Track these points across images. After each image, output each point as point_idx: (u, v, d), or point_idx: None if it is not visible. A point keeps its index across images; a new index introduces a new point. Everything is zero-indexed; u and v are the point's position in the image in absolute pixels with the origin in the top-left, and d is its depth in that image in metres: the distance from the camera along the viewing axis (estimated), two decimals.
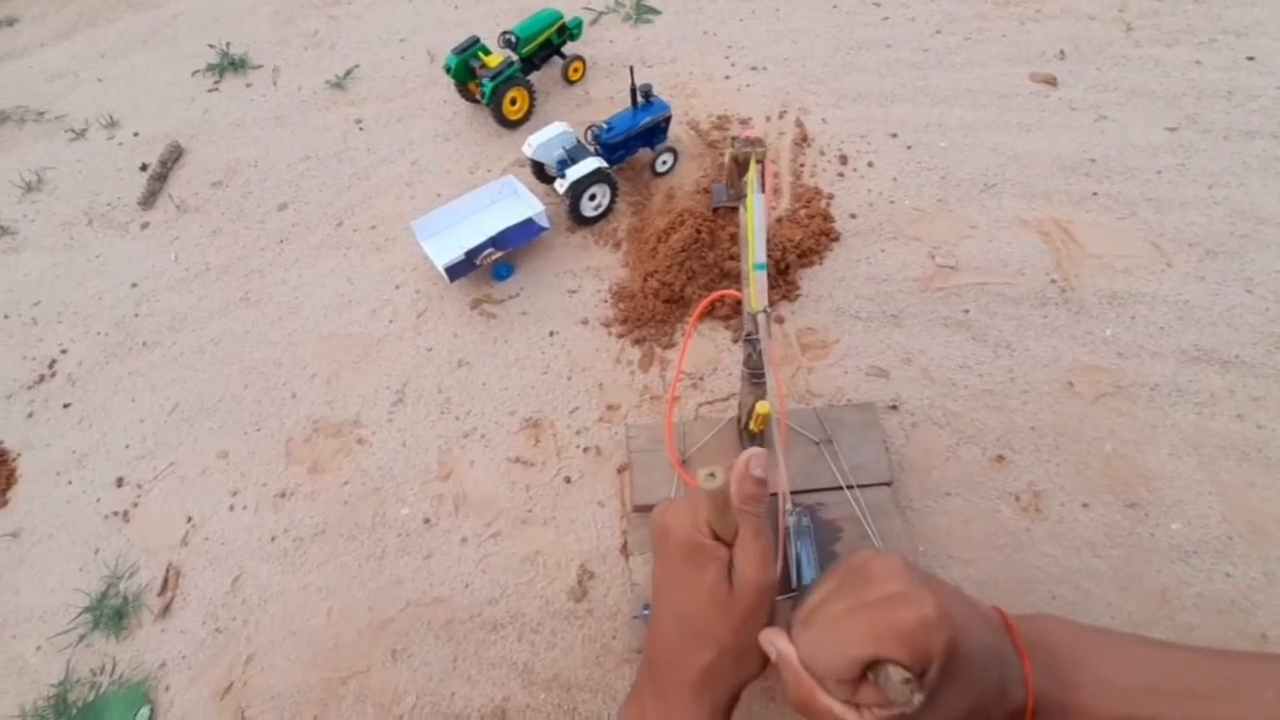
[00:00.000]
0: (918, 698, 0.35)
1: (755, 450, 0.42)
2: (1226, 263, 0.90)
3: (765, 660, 0.43)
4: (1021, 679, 0.40)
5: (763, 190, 0.58)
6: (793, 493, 0.69)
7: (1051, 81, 1.15)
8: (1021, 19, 1.26)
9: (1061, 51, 1.19)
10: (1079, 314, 0.88)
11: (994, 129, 1.09)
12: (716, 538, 0.43)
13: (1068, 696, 0.39)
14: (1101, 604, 0.68)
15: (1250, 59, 1.13)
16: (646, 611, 0.64)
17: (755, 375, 0.62)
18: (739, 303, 0.87)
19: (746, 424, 0.68)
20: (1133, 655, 0.41)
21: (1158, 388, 0.81)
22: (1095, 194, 0.99)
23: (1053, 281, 0.91)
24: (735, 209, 0.73)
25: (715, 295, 0.66)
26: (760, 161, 0.57)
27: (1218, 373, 0.81)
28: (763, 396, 0.63)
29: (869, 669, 0.37)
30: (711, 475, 0.40)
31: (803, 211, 1.00)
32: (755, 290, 0.59)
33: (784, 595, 0.60)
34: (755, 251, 0.57)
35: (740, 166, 0.60)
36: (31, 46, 1.56)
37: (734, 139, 0.65)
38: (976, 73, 1.18)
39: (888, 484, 0.72)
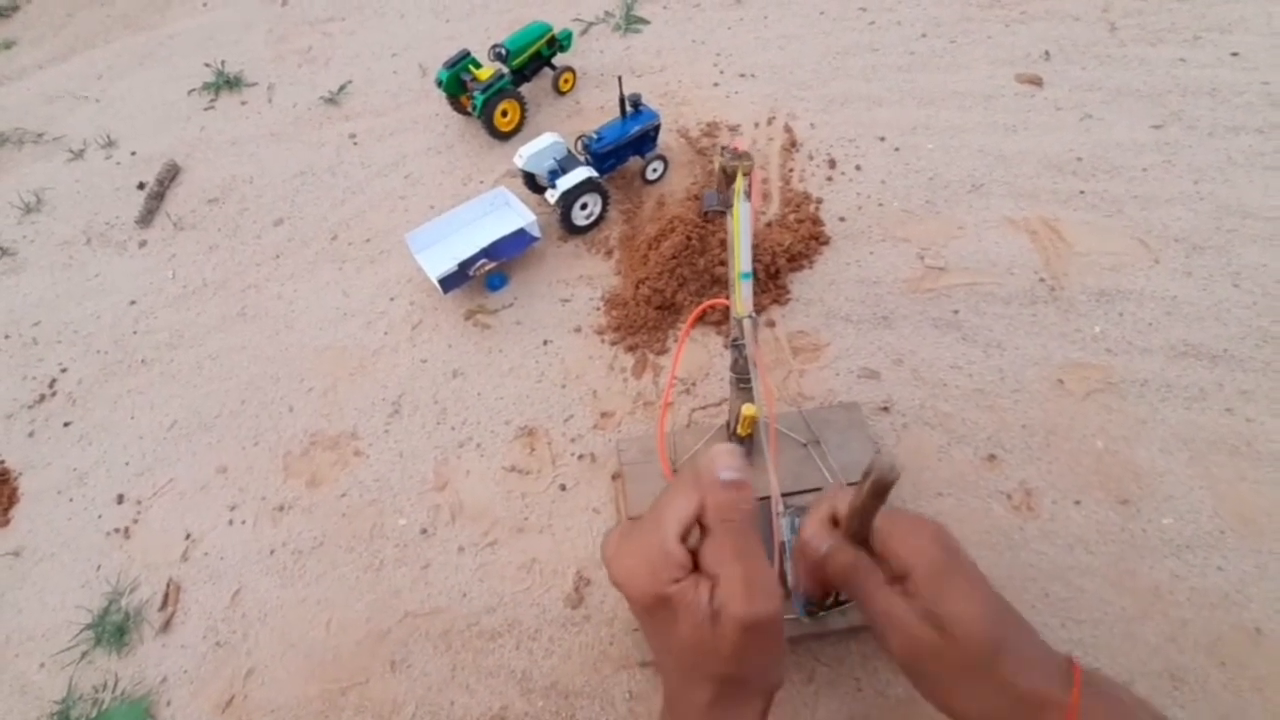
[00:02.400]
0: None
1: (722, 447, 0.37)
2: (1213, 258, 0.91)
3: (779, 680, 0.41)
4: (1058, 674, 0.41)
5: (749, 200, 0.58)
6: (783, 495, 0.69)
7: (1037, 82, 1.16)
8: (1006, 21, 1.27)
9: (1046, 52, 1.20)
10: (1068, 312, 0.88)
11: (980, 130, 1.10)
12: (695, 565, 0.37)
13: None
14: (1095, 600, 0.68)
15: (1234, 55, 1.14)
16: None
17: (741, 380, 0.63)
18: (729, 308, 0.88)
19: (735, 429, 0.68)
20: None
21: (1147, 383, 0.81)
22: (1082, 192, 1.00)
23: (1041, 280, 0.92)
24: (725, 214, 0.73)
25: (706, 304, 0.67)
26: (747, 175, 0.57)
27: (1206, 367, 0.82)
28: (749, 401, 0.64)
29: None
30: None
31: (792, 216, 1.01)
32: (740, 297, 0.59)
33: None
34: (741, 260, 0.58)
35: (728, 177, 0.61)
36: (30, 69, 1.58)
37: (723, 149, 0.65)
38: (962, 75, 1.19)
39: None
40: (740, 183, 0.57)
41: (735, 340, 0.62)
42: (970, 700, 0.43)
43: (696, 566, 0.38)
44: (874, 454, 0.39)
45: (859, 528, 0.45)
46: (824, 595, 0.57)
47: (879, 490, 0.41)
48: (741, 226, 0.58)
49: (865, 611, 0.46)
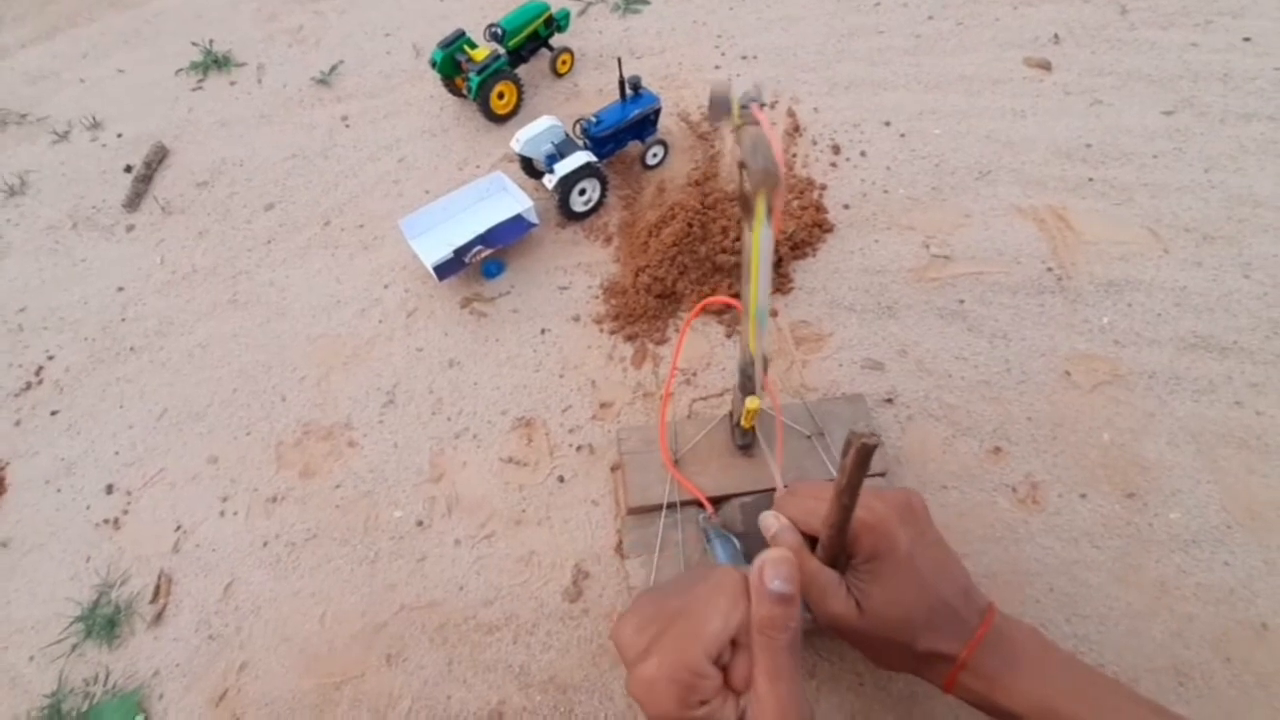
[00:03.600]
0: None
1: (773, 554, 0.33)
2: (1224, 248, 0.89)
3: None
4: (965, 635, 0.47)
5: (770, 225, 0.47)
6: (786, 487, 0.68)
7: (1046, 66, 1.13)
8: (1015, 3, 1.25)
9: (1056, 36, 1.17)
10: (1075, 302, 0.87)
11: (988, 115, 1.08)
12: (726, 681, 0.33)
13: (1001, 673, 0.46)
14: (1100, 595, 0.67)
15: (1247, 40, 1.12)
16: None
17: (747, 382, 0.61)
18: (727, 306, 0.86)
19: (738, 422, 0.67)
20: (1070, 675, 0.46)
21: (1155, 375, 0.80)
22: (1091, 180, 0.98)
23: (1049, 270, 0.90)
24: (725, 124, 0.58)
25: (706, 301, 0.64)
26: (769, 196, 0.45)
27: (1216, 359, 0.80)
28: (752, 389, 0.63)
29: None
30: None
31: (795, 203, 0.99)
32: (755, 333, 0.54)
33: None
34: (759, 294, 0.49)
35: (745, 200, 0.48)
36: (12, 48, 1.54)
37: (744, 104, 0.49)
38: (970, 58, 1.16)
39: (882, 474, 0.71)
40: (761, 206, 0.45)
41: (745, 370, 0.59)
42: (881, 658, 0.52)
43: (726, 681, 0.34)
44: (850, 430, 0.39)
45: (849, 501, 0.43)
46: None
47: (863, 459, 0.39)
48: (761, 257, 0.48)
49: (804, 579, 0.49)
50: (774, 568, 0.33)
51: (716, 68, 1.20)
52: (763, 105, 0.48)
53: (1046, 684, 0.45)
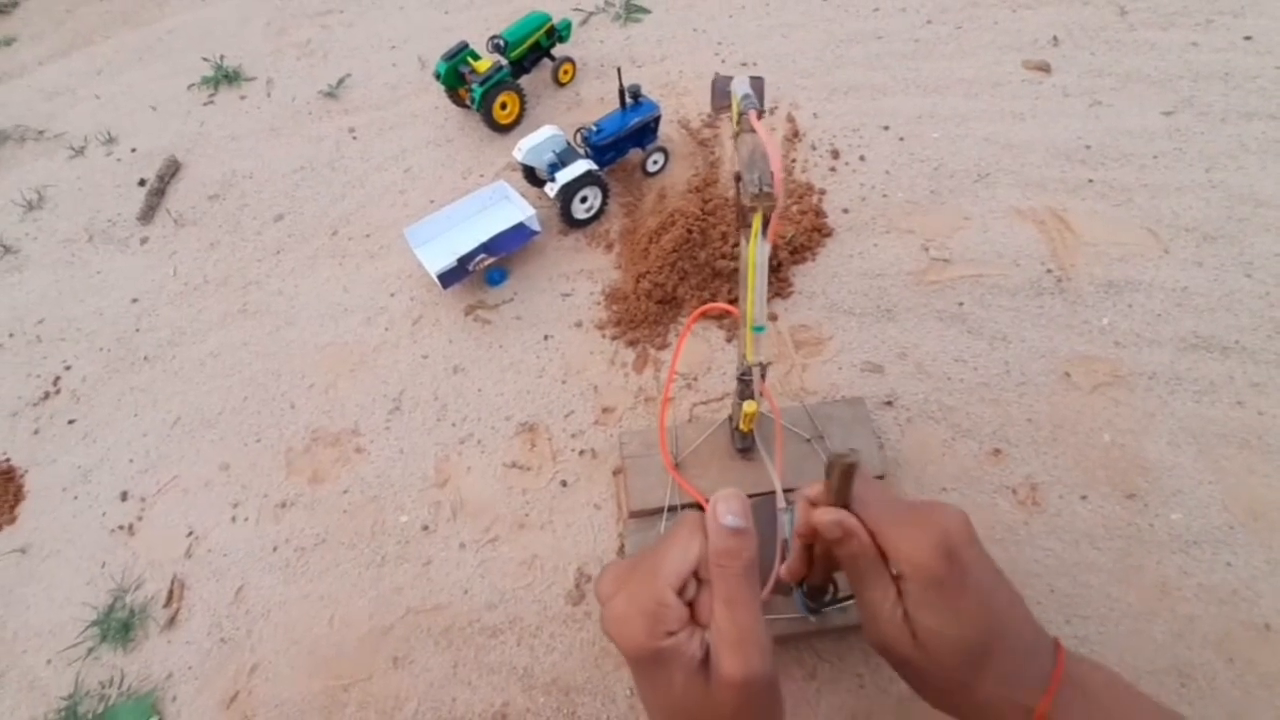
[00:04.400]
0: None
1: (727, 491, 0.36)
2: (1225, 247, 0.89)
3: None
4: (1038, 678, 0.41)
5: (766, 240, 0.48)
6: (785, 490, 0.69)
7: (1045, 68, 1.14)
8: (1014, 6, 1.25)
9: (1055, 38, 1.18)
10: (1075, 304, 0.87)
11: (987, 118, 1.08)
12: (692, 617, 0.36)
13: None
14: (1101, 596, 0.67)
15: (1248, 39, 1.11)
16: None
17: (745, 388, 0.62)
18: (725, 312, 0.87)
19: (737, 425, 0.68)
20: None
21: (1156, 376, 0.80)
22: (1091, 181, 0.98)
23: (1048, 271, 0.90)
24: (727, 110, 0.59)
25: (705, 308, 0.65)
26: (768, 214, 0.47)
27: (1217, 359, 0.80)
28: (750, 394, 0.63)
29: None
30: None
31: (794, 207, 1.00)
32: (751, 344, 0.55)
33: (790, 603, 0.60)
34: (755, 308, 0.51)
35: (743, 214, 0.50)
36: (30, 65, 1.58)
37: (746, 96, 0.51)
38: (969, 62, 1.17)
39: (880, 477, 0.72)
40: (758, 223, 0.47)
41: (742, 375, 0.60)
42: (939, 699, 0.44)
43: (692, 617, 0.36)
44: (830, 454, 0.40)
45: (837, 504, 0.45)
46: (824, 583, 0.56)
47: (845, 476, 0.41)
48: (757, 270, 0.49)
49: (855, 595, 0.46)
50: (725, 504, 0.35)
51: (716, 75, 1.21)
52: (761, 112, 0.48)
53: None
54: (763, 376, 0.60)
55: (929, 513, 0.43)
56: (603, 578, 0.38)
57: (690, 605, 0.36)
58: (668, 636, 0.34)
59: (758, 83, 0.54)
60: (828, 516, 0.43)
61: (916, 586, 0.41)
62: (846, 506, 0.43)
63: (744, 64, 1.23)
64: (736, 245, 0.91)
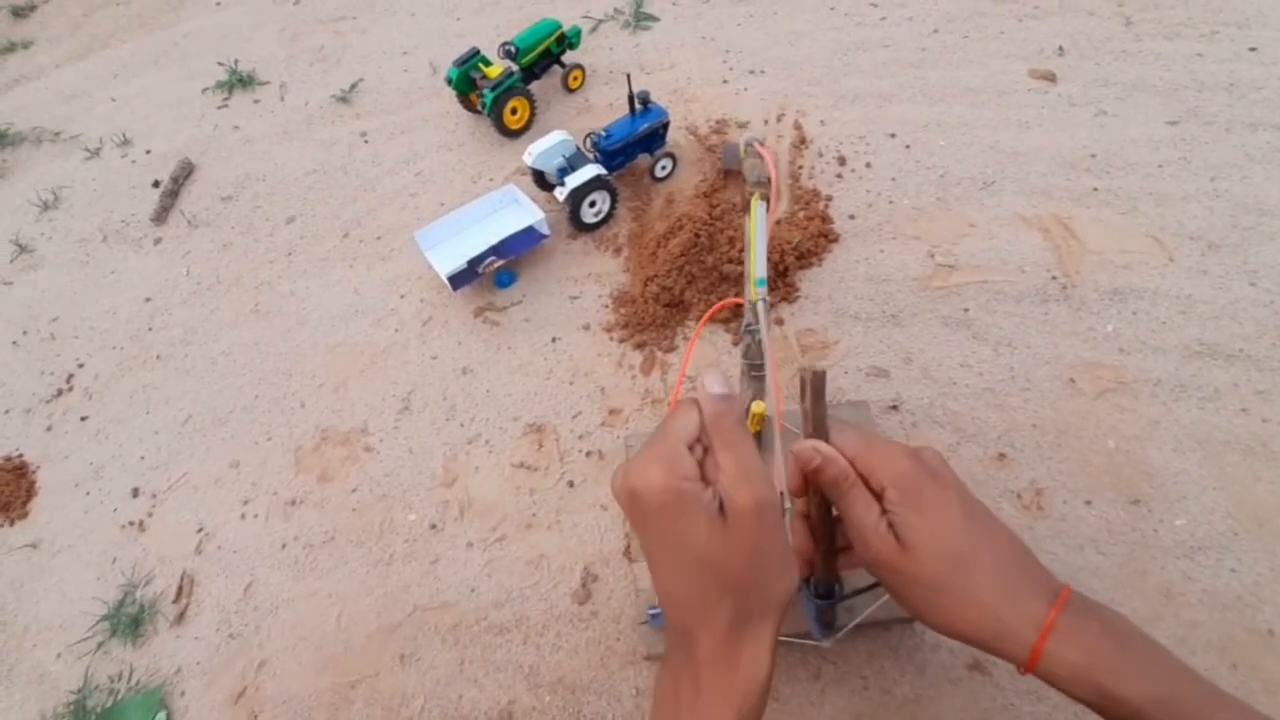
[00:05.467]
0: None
1: (708, 369, 0.42)
2: (1229, 256, 0.90)
3: (793, 578, 0.42)
4: (1044, 592, 0.41)
5: (766, 204, 0.58)
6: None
7: (1050, 78, 1.14)
8: (1020, 16, 1.26)
9: (1060, 47, 1.19)
10: (1080, 310, 0.87)
11: (993, 126, 1.09)
12: (703, 476, 0.40)
13: (1104, 648, 0.39)
14: (1104, 601, 0.67)
15: (1252, 50, 1.12)
16: (653, 611, 0.65)
17: (754, 369, 0.63)
18: (738, 306, 0.88)
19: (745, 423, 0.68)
20: (1188, 671, 0.40)
21: (1160, 383, 0.80)
22: (1096, 190, 0.99)
23: (1053, 278, 0.91)
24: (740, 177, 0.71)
25: (720, 304, 0.67)
26: (765, 200, 0.56)
27: (1221, 367, 0.81)
28: (761, 392, 0.64)
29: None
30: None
31: (801, 213, 1.01)
32: (754, 286, 0.60)
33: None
34: (756, 265, 0.58)
35: (745, 195, 0.60)
36: (47, 68, 1.61)
37: (748, 143, 0.61)
38: (975, 71, 1.18)
39: None
40: (756, 202, 0.56)
41: (749, 326, 0.62)
42: (939, 614, 0.44)
43: (701, 476, 0.41)
44: (798, 370, 0.44)
45: (816, 435, 0.47)
46: (830, 582, 0.55)
47: (816, 389, 0.45)
48: (758, 230, 0.57)
49: (844, 519, 0.47)
50: (710, 376, 0.41)
51: (724, 82, 1.23)
52: (763, 143, 0.58)
53: (1166, 670, 0.39)
54: (768, 314, 0.62)
55: (898, 443, 0.47)
56: (616, 473, 0.42)
57: (700, 465, 0.40)
58: (684, 480, 0.38)
59: (759, 136, 0.64)
60: (805, 444, 0.46)
61: (897, 494, 0.44)
62: (824, 424, 0.46)
63: (751, 71, 1.24)
64: (744, 250, 0.92)
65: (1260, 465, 0.74)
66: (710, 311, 0.66)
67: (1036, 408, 0.80)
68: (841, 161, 1.08)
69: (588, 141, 1.03)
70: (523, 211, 1.01)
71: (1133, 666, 0.39)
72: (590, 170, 0.97)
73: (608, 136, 1.02)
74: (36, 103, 1.51)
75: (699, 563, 0.39)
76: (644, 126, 1.03)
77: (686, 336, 0.91)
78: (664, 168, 1.08)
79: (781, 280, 0.94)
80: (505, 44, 1.18)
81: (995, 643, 0.42)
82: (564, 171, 0.99)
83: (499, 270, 0.97)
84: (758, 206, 0.56)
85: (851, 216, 1.01)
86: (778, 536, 0.40)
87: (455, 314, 0.99)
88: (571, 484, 0.81)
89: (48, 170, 1.34)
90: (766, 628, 0.40)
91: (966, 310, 0.89)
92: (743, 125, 1.15)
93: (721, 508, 0.38)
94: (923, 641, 0.67)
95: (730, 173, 0.94)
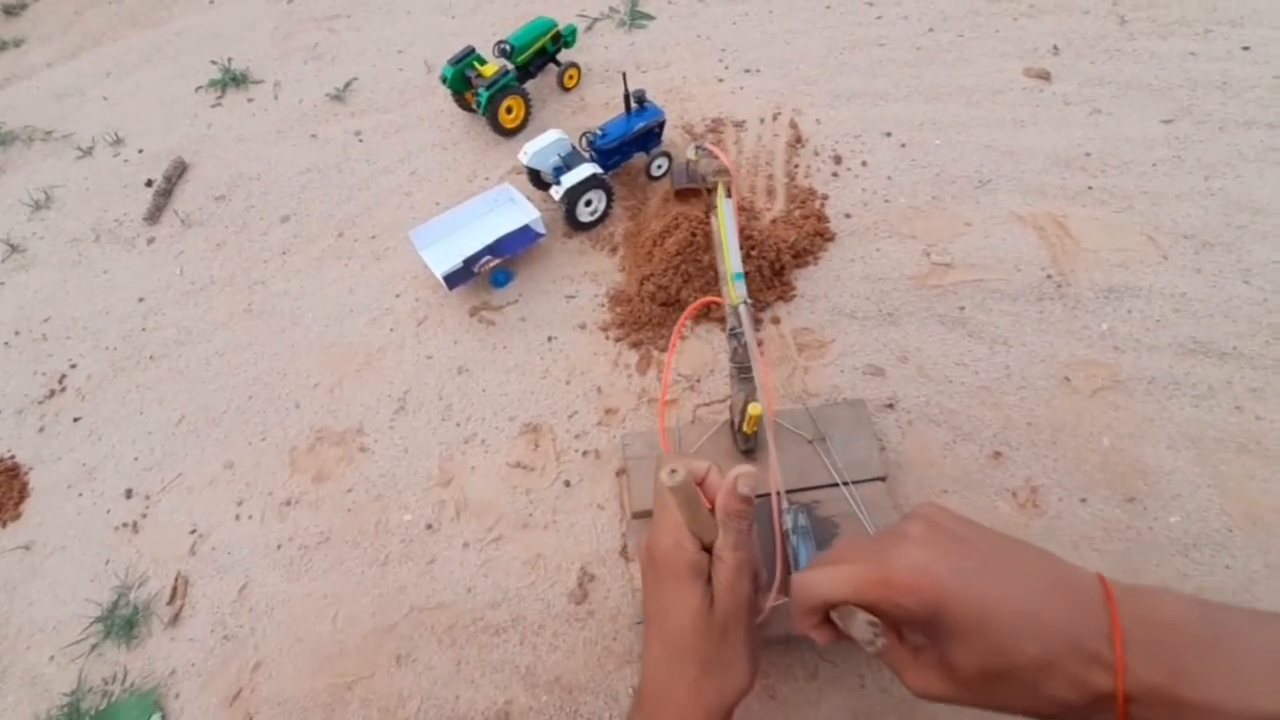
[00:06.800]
0: (880, 642, 0.40)
1: (745, 469, 0.45)
2: (1223, 254, 0.90)
3: (753, 673, 0.47)
4: (1109, 662, 0.34)
5: (730, 199, 0.60)
6: (788, 491, 0.70)
7: (1045, 76, 1.15)
8: (1015, 15, 1.26)
9: (1055, 46, 1.19)
10: (1075, 309, 0.88)
11: (988, 125, 1.09)
12: (703, 548, 0.46)
13: (1188, 691, 0.32)
14: None
15: (1245, 49, 1.13)
16: None
17: (742, 371, 0.63)
18: (714, 304, 0.87)
19: (740, 426, 0.68)
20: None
21: (1155, 381, 0.81)
22: (1090, 188, 0.99)
23: (1048, 277, 0.91)
24: (697, 191, 0.74)
25: (702, 301, 0.67)
26: (728, 189, 0.60)
27: (1215, 365, 0.81)
28: (754, 394, 0.64)
29: (833, 610, 0.42)
30: (673, 472, 0.41)
31: (797, 212, 1.01)
32: (734, 289, 0.60)
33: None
34: (730, 260, 0.58)
35: (707, 182, 0.64)
36: (39, 67, 1.59)
37: (696, 147, 0.69)
38: (970, 69, 1.18)
39: (882, 479, 0.72)
40: (721, 191, 0.59)
41: (733, 330, 0.62)
42: (1007, 702, 0.38)
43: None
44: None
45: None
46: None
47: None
48: (727, 226, 0.58)
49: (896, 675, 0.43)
50: (745, 479, 0.45)
51: (720, 80, 1.23)
52: (714, 143, 0.59)
53: (1249, 673, 0.32)
54: (750, 318, 0.61)
55: (903, 524, 0.41)
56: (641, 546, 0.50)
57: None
58: (686, 552, 0.46)
59: (697, 145, 0.70)
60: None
61: (931, 624, 0.38)
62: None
63: (747, 70, 1.24)
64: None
65: (1254, 463, 0.74)
66: (688, 312, 0.66)
67: (1032, 406, 0.81)
68: (837, 160, 1.08)
69: (583, 140, 1.03)
70: (518, 210, 1.01)
71: (1216, 689, 0.32)
72: (586, 169, 0.97)
73: (603, 135, 1.02)
74: (28, 101, 1.50)
75: (680, 627, 0.45)
76: (640, 125, 1.03)
77: (684, 336, 0.91)
78: (660, 166, 1.08)
79: (778, 279, 0.94)
80: (500, 42, 1.17)
81: None
82: (559, 170, 0.99)
83: (494, 269, 0.97)
84: (722, 198, 0.57)
85: (847, 215, 1.01)
86: (746, 641, 0.46)
87: (450, 313, 0.99)
88: (568, 483, 0.81)
89: (39, 169, 1.33)
90: (717, 714, 0.45)
91: (962, 309, 0.89)
92: (738, 124, 1.15)
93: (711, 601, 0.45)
94: None
95: (682, 191, 0.90)
